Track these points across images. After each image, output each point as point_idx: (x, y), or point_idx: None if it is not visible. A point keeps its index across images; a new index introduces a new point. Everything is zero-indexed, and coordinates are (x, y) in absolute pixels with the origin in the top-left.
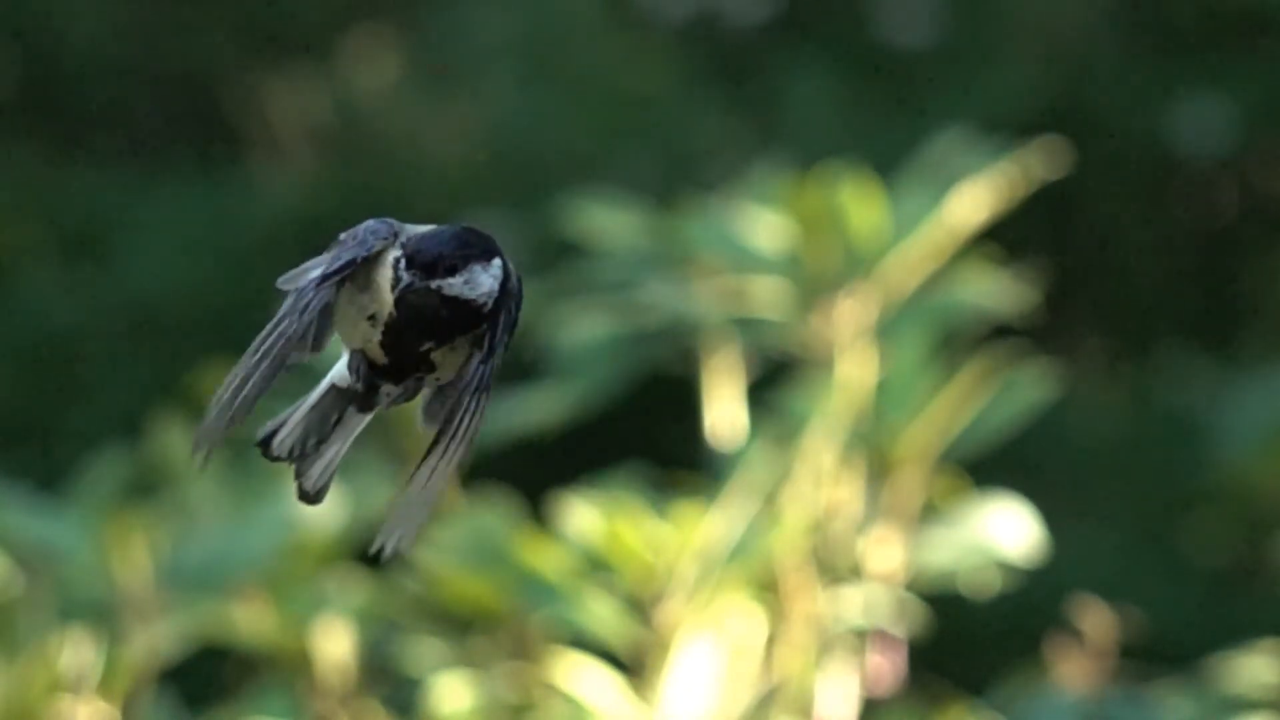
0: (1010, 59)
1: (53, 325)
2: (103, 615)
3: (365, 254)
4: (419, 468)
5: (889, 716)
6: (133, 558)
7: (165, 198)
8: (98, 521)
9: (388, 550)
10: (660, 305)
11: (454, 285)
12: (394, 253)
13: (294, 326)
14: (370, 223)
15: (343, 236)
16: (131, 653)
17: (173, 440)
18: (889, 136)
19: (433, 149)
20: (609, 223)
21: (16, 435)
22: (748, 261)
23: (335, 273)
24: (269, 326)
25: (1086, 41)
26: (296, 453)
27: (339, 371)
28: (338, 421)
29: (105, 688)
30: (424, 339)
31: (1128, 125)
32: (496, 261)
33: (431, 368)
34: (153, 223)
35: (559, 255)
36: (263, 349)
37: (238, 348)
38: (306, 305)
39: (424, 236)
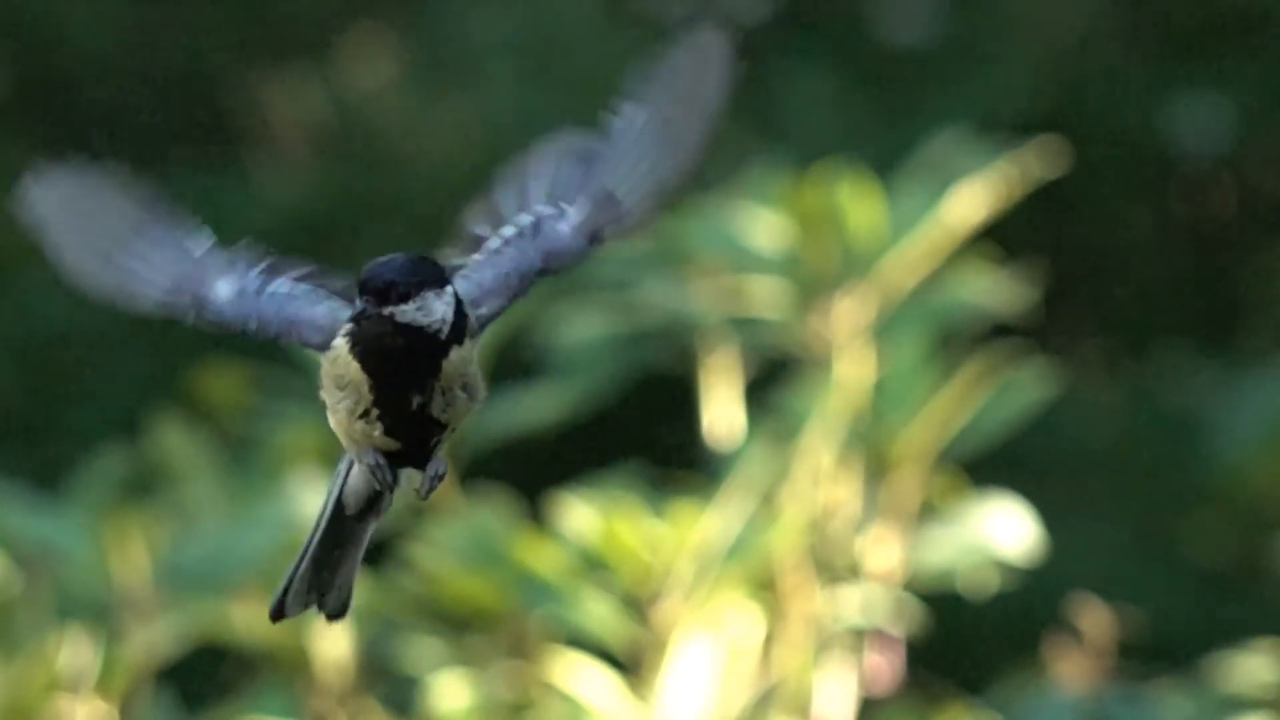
0: (1009, 59)
1: (53, 325)
2: (101, 614)
3: None
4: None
5: (887, 716)
6: (131, 557)
7: (165, 197)
8: (97, 521)
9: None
10: (659, 305)
11: (407, 312)
12: (341, 337)
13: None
14: None
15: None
16: (130, 652)
17: (172, 440)
18: (888, 136)
19: (431, 148)
20: None
21: (16, 435)
22: (746, 261)
23: None
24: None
25: (1085, 41)
26: (312, 604)
27: (342, 498)
28: (344, 541)
29: (103, 687)
30: (407, 387)
31: (1126, 125)
32: (449, 289)
33: (441, 426)
34: None
35: None
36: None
37: (237, 347)
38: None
39: (376, 265)
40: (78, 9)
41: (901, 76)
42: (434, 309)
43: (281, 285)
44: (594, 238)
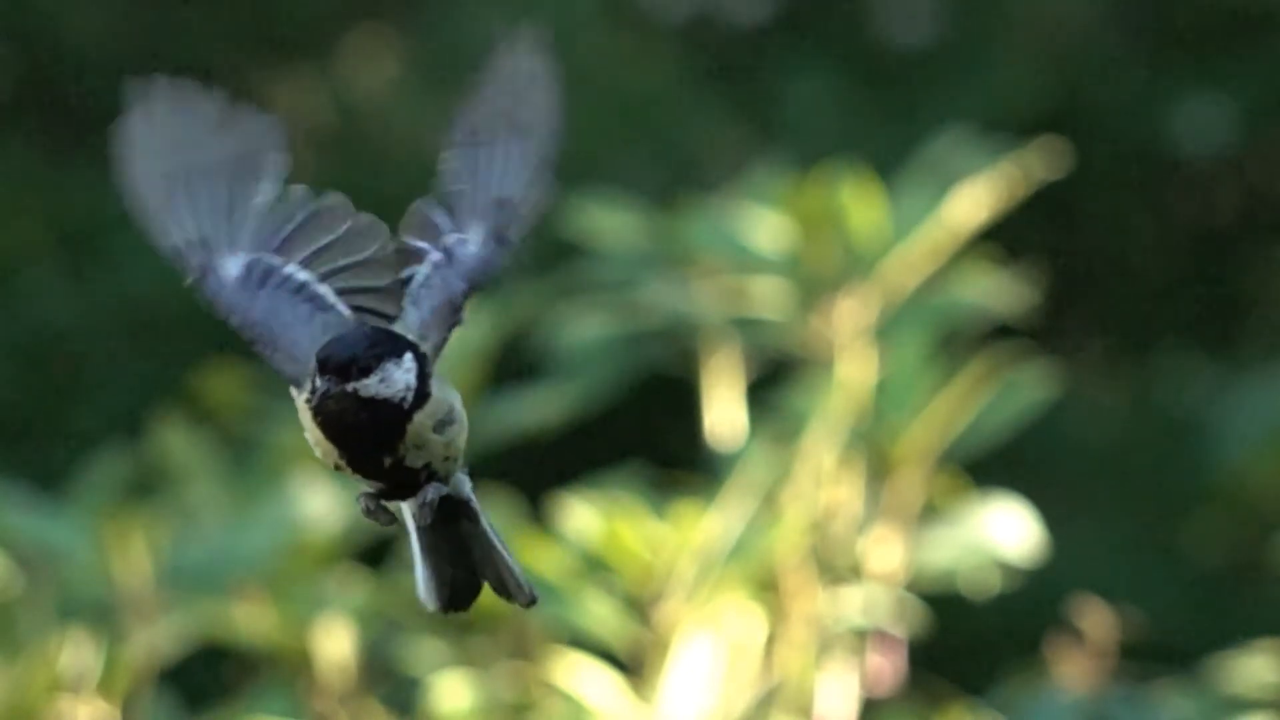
0: (1010, 59)
1: (53, 325)
2: (102, 615)
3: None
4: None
5: (889, 716)
6: (133, 557)
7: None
8: (98, 521)
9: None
10: (660, 305)
11: (370, 386)
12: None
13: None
14: None
15: None
16: (131, 652)
17: (173, 440)
18: (889, 136)
19: (433, 149)
20: (609, 223)
21: (16, 435)
22: (748, 261)
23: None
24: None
25: (1086, 41)
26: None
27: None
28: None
29: (105, 687)
30: (376, 453)
31: (1128, 125)
32: (409, 355)
33: (422, 468)
34: None
35: (559, 255)
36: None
37: (237, 348)
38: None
39: (333, 341)
40: (79, 9)
41: (903, 77)
42: (396, 380)
43: (293, 281)
44: (501, 241)
